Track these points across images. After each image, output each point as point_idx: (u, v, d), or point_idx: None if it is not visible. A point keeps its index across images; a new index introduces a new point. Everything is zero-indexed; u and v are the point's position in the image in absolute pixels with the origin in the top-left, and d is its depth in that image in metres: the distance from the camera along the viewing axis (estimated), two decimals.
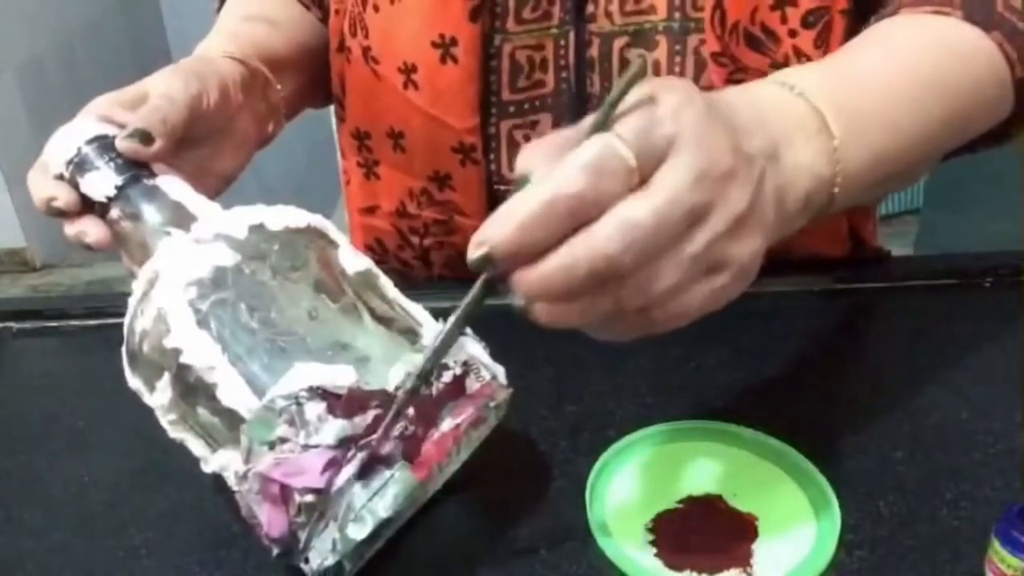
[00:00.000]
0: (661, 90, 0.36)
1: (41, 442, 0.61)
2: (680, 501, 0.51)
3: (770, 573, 0.47)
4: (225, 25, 0.70)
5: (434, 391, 0.46)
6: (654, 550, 0.48)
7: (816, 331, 0.66)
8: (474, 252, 0.36)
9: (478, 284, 0.38)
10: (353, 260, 0.50)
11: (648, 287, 0.36)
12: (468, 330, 0.49)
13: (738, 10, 0.59)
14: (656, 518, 0.50)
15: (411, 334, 0.49)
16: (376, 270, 0.51)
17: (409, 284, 0.52)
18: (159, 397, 0.46)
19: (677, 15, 0.61)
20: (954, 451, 0.54)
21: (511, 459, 0.55)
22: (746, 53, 0.60)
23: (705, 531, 0.49)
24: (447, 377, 0.46)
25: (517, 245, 0.35)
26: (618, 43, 0.62)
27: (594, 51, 0.62)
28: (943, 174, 1.64)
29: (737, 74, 0.60)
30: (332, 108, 0.85)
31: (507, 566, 0.49)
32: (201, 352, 0.44)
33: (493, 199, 0.68)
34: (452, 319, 0.40)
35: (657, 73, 0.62)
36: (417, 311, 0.50)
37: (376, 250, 0.77)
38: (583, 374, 0.62)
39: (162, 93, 0.56)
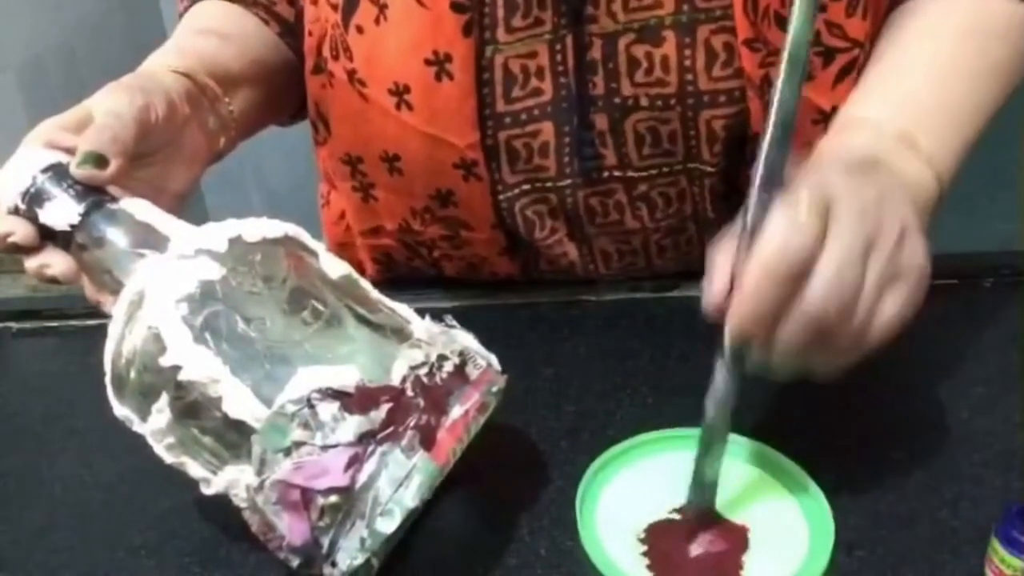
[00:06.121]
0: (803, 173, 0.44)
1: (41, 442, 0.61)
2: (672, 511, 0.51)
3: None
4: (176, 39, 0.68)
5: (439, 380, 0.46)
6: (646, 561, 0.48)
7: None
8: (733, 341, 0.44)
9: (724, 374, 0.46)
10: (333, 266, 0.50)
11: (851, 319, 0.43)
12: (456, 323, 0.50)
13: None
14: (648, 528, 0.50)
15: (400, 333, 0.50)
16: (356, 274, 0.51)
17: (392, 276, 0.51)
18: (156, 420, 0.46)
19: (686, 7, 0.60)
20: (954, 451, 0.54)
21: (511, 459, 0.55)
22: (778, 36, 0.59)
23: (697, 542, 0.49)
24: (448, 367, 0.47)
25: (760, 315, 0.43)
26: (623, 41, 0.61)
27: (596, 53, 0.61)
28: None
29: (769, 58, 0.60)
30: None
31: (506, 566, 0.49)
32: (202, 366, 0.43)
33: (498, 211, 0.67)
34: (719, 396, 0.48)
35: (666, 69, 0.61)
36: (403, 310, 0.51)
37: (384, 263, 0.76)
38: (583, 374, 0.62)
39: (108, 111, 0.53)
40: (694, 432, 0.54)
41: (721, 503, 0.50)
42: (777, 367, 0.45)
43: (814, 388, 0.59)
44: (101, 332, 0.47)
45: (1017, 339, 0.63)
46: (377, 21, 0.61)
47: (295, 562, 0.43)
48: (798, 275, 0.42)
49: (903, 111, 0.55)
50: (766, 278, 0.42)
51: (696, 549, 0.48)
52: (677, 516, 0.50)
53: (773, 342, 0.43)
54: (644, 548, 0.49)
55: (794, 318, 0.42)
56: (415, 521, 0.48)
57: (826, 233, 0.42)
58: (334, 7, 0.63)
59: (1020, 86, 0.62)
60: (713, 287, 0.45)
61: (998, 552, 0.43)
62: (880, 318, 0.44)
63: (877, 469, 0.53)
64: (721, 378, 0.46)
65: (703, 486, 0.49)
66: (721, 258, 0.45)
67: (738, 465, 0.53)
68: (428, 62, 0.61)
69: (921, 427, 0.56)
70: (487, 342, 0.50)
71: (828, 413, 0.57)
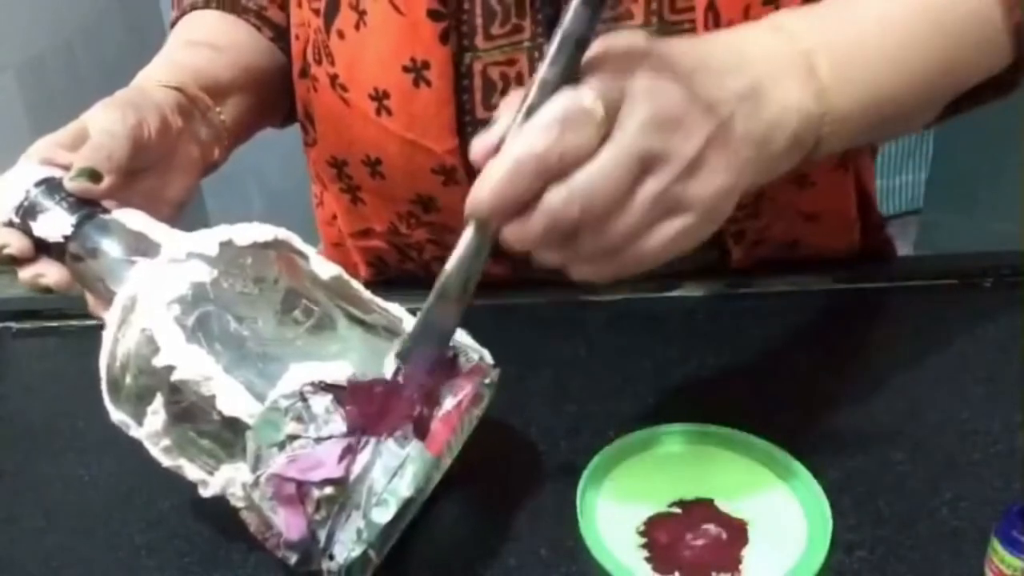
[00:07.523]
0: (614, 43, 0.40)
1: (41, 442, 0.61)
2: (672, 505, 0.51)
3: None
4: (167, 51, 0.68)
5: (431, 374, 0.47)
6: (645, 553, 0.48)
7: (816, 331, 0.66)
8: (468, 220, 0.42)
9: (469, 236, 0.43)
10: (324, 267, 0.50)
11: (604, 233, 0.40)
12: None
13: (731, 9, 0.58)
14: (648, 522, 0.50)
15: (391, 332, 0.50)
16: (347, 275, 0.51)
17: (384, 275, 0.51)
18: (152, 422, 0.46)
19: (654, 19, 0.60)
20: (954, 451, 0.54)
21: (511, 459, 0.55)
22: None
23: (696, 535, 0.49)
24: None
25: (498, 208, 0.40)
26: None
27: None
28: (944, 174, 1.64)
29: None
30: None
31: (506, 566, 0.49)
32: (195, 365, 0.44)
33: None
34: (450, 267, 0.44)
35: None
36: (395, 308, 0.51)
37: (377, 266, 0.76)
38: (583, 374, 0.62)
39: (102, 129, 0.55)
40: (694, 427, 0.55)
41: (721, 497, 0.51)
42: (522, 250, 0.42)
43: (816, 387, 0.60)
44: (101, 332, 0.48)
45: (1017, 339, 0.63)
46: (357, 27, 0.61)
47: (293, 558, 0.43)
48: (550, 178, 0.39)
49: (821, 34, 0.48)
50: (515, 173, 0.39)
51: (695, 542, 0.49)
52: (677, 510, 0.50)
53: (513, 230, 0.41)
54: (643, 540, 0.49)
55: (535, 214, 0.40)
56: (415, 521, 0.48)
57: (605, 137, 0.39)
58: (316, 12, 0.64)
59: (1019, 87, 0.61)
60: (483, 141, 0.41)
61: (998, 552, 0.43)
62: (648, 243, 0.41)
63: (877, 469, 0.53)
64: (465, 240, 0.43)
65: (428, 330, 0.46)
66: (506, 114, 0.41)
67: (739, 460, 0.53)
68: (406, 69, 0.61)
69: (921, 427, 0.56)
70: (486, 342, 0.50)
71: (829, 412, 0.57)
